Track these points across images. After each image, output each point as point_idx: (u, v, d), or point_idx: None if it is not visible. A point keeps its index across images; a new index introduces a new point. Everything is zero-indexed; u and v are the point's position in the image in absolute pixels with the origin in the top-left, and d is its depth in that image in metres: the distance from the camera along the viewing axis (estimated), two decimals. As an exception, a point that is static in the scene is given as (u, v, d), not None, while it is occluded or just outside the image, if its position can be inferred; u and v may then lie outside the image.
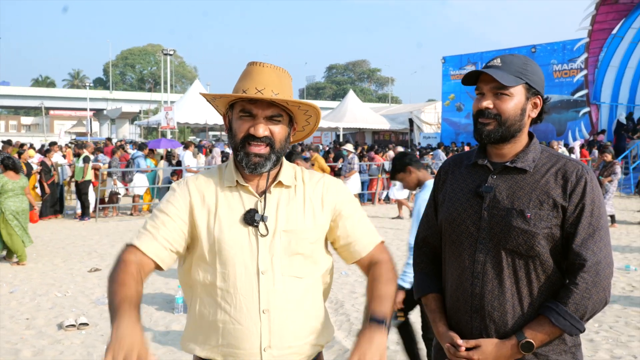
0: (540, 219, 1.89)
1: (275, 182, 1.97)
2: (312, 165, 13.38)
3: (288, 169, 2.03)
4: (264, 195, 1.95)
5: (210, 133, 42.13)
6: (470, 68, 31.64)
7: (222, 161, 18.15)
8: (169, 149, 18.96)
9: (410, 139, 36.13)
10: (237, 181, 1.96)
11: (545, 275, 1.91)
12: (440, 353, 2.08)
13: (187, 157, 15.52)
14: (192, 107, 31.26)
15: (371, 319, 1.78)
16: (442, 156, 19.29)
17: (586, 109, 25.35)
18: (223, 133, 42.59)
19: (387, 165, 17.82)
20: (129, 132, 63.77)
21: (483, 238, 1.96)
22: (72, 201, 16.02)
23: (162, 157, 17.25)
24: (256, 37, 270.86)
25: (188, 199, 1.95)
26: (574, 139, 25.02)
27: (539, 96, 2.00)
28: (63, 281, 7.91)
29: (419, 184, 4.28)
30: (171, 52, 38.42)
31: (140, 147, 16.15)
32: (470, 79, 2.02)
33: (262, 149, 1.89)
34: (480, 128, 1.98)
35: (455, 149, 23.68)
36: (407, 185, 4.32)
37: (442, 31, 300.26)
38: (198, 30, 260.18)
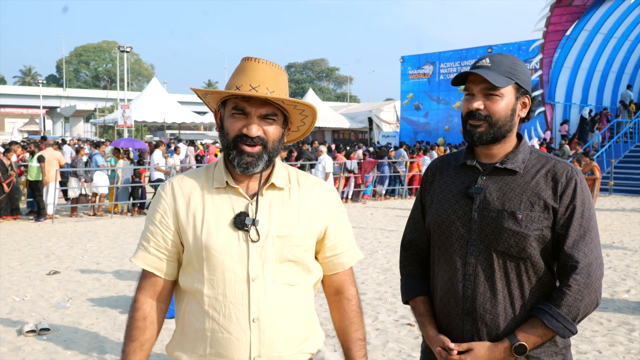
0: (531, 220, 1.88)
1: (267, 185, 1.89)
2: None
3: (281, 170, 1.94)
4: (255, 198, 1.86)
5: (168, 132, 41.50)
6: (428, 68, 31.99)
7: (196, 159, 17.86)
8: (125, 148, 18.57)
9: (370, 137, 36.36)
10: (227, 182, 1.87)
11: (536, 277, 1.91)
12: (430, 357, 2.06)
13: (157, 156, 15.18)
14: (150, 105, 30.82)
15: None
16: (404, 155, 19.36)
17: (541, 109, 25.90)
18: (182, 132, 42.05)
19: (349, 164, 17.86)
20: (83, 130, 62.36)
21: (474, 240, 1.94)
22: (24, 202, 15.53)
23: (128, 157, 16.86)
24: (214, 35, 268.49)
25: (172, 204, 1.88)
26: (530, 138, 25.55)
27: (528, 95, 2.00)
28: (21, 285, 7.65)
29: None
30: (128, 49, 37.72)
31: (97, 145, 15.80)
32: (457, 80, 2.00)
33: (255, 149, 1.81)
34: (471, 130, 1.96)
35: (420, 147, 23.75)
36: None
37: (398, 31, 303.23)
38: (155, 27, 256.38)
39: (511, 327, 1.90)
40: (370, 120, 36.19)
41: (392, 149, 20.97)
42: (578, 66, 25.88)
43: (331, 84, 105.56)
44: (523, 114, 2.00)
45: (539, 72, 25.15)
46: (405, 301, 2.17)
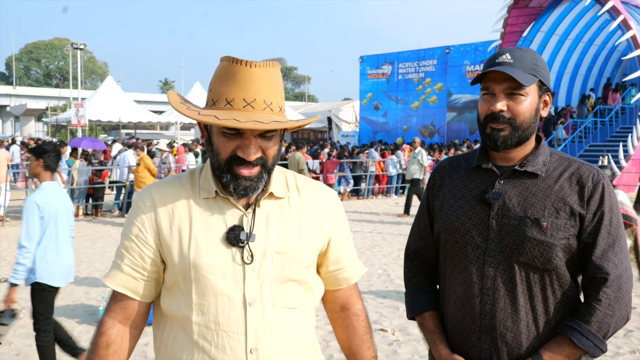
0: (557, 228, 1.71)
1: (265, 195, 1.63)
2: (138, 165, 12.80)
3: (278, 176, 1.68)
4: (250, 209, 1.61)
5: (123, 131, 40.57)
6: (387, 67, 32.12)
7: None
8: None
9: (329, 137, 36.32)
10: (216, 192, 1.61)
11: (561, 291, 1.74)
12: (441, 378, 1.87)
13: (130, 157, 14.64)
14: (105, 104, 30.11)
15: None
16: (375, 155, 19.21)
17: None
18: (138, 131, 41.17)
19: (312, 164, 17.68)
20: (34, 129, 60.53)
21: (492, 250, 1.76)
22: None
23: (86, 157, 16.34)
24: (169, 33, 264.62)
25: (153, 216, 1.60)
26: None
27: (549, 93, 1.83)
28: (-31, 294, 7.21)
29: (38, 179, 4.31)
30: (81, 46, 36.73)
31: (60, 145, 15.28)
32: (478, 78, 1.80)
33: (253, 170, 1.55)
34: (494, 134, 1.77)
35: (382, 147, 23.59)
36: (29, 172, 4.46)
37: (356, 30, 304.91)
38: (108, 24, 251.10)
39: (534, 346, 1.73)
40: (329, 119, 36.14)
41: (363, 150, 20.69)
42: (534, 67, 26.34)
43: (289, 83, 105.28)
44: (545, 113, 1.83)
45: (497, 73, 25.44)
46: (412, 317, 1.97)
